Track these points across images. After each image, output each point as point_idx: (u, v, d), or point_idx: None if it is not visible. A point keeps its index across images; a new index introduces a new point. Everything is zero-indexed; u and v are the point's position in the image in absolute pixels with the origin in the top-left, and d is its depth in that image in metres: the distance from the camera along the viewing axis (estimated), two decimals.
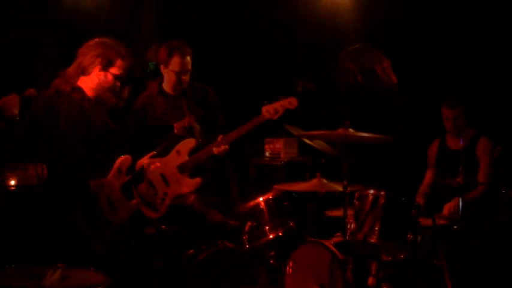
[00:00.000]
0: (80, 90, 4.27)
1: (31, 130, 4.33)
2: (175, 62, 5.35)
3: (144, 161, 4.82)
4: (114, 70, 4.35)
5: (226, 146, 5.28)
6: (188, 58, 5.38)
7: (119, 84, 4.43)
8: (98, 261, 3.75)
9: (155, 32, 7.84)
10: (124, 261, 4.40)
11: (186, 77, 5.40)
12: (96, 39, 4.40)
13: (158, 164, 5.22)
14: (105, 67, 4.32)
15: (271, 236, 5.22)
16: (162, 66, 5.45)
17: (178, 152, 5.31)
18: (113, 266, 4.02)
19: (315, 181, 5.28)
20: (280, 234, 5.21)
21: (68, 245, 4.17)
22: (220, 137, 5.28)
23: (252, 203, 5.33)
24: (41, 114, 4.29)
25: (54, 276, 3.25)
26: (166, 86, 5.51)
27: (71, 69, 4.35)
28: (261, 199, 5.31)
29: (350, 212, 4.86)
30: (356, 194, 4.96)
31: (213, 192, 5.73)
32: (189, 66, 5.41)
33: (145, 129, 5.50)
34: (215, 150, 5.26)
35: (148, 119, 5.50)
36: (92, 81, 4.31)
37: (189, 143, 5.32)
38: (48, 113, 4.27)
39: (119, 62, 4.36)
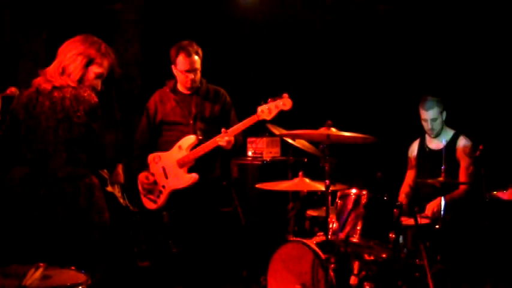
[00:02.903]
0: (61, 89, 4.24)
1: (12, 129, 4.30)
2: (181, 62, 5.44)
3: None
4: (94, 68, 4.33)
5: (232, 138, 5.35)
6: (195, 57, 5.45)
7: (100, 82, 4.42)
8: (79, 260, 3.74)
9: (136, 31, 7.82)
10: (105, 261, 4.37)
11: (194, 76, 5.47)
12: (76, 38, 4.37)
13: (160, 157, 5.48)
14: (86, 65, 4.30)
15: None
16: (172, 67, 5.54)
17: (180, 148, 5.44)
18: (95, 265, 4.01)
19: (297, 180, 5.30)
20: None
21: (50, 245, 4.16)
22: (223, 130, 5.32)
23: None
24: (22, 113, 4.26)
25: (35, 276, 3.23)
26: (179, 85, 5.62)
27: (51, 68, 4.31)
28: None
29: (332, 212, 4.87)
30: (338, 194, 4.98)
31: None
32: (196, 65, 5.47)
33: (155, 125, 5.63)
34: (220, 142, 5.32)
35: (158, 115, 5.62)
36: (72, 80, 4.28)
37: (189, 140, 5.46)
38: (28, 112, 4.24)
39: (99, 60, 4.34)
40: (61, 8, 7.16)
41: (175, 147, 5.48)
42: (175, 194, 5.47)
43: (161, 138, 5.62)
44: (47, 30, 7.17)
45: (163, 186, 5.49)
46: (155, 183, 5.52)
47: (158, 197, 5.50)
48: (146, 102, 5.70)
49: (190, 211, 5.47)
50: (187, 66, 5.43)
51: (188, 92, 5.59)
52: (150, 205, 5.56)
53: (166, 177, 5.49)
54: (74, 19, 7.04)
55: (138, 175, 5.56)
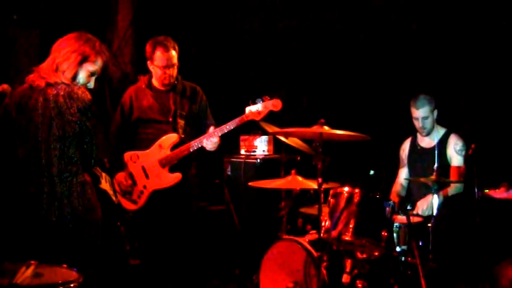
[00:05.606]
0: (54, 86, 4.23)
1: (5, 126, 4.28)
2: (158, 57, 5.36)
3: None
4: (89, 66, 4.32)
5: (219, 139, 5.29)
6: (172, 52, 5.38)
7: (93, 80, 4.41)
8: (71, 258, 3.74)
9: (131, 29, 7.81)
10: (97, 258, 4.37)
11: (171, 71, 5.40)
12: (71, 35, 4.35)
13: (139, 156, 5.35)
14: (80, 63, 4.29)
15: None
16: (148, 62, 5.46)
17: (160, 146, 5.33)
18: (87, 262, 4.00)
19: (290, 178, 5.30)
20: None
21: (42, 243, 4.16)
22: (212, 128, 5.27)
23: None
24: (15, 110, 4.25)
25: (26, 273, 3.22)
26: (155, 81, 5.53)
27: (45, 65, 4.30)
28: None
29: (325, 210, 4.88)
30: (331, 192, 4.98)
31: None
32: (174, 60, 5.40)
33: (130, 122, 5.52)
34: (207, 145, 5.28)
35: (134, 111, 5.51)
36: (66, 77, 4.27)
37: (171, 138, 5.35)
38: (21, 108, 4.23)
39: (93, 58, 4.32)
40: (55, 4, 7.15)
41: (155, 146, 5.37)
42: (155, 194, 5.38)
43: (137, 136, 5.50)
44: (40, 26, 7.16)
45: (145, 187, 5.37)
46: (134, 183, 5.40)
47: (139, 197, 5.38)
48: None
49: (170, 209, 5.40)
50: (164, 62, 5.36)
51: (164, 89, 5.50)
52: (129, 206, 5.44)
53: (147, 177, 5.38)
54: (68, 16, 7.03)
55: (115, 175, 5.40)
